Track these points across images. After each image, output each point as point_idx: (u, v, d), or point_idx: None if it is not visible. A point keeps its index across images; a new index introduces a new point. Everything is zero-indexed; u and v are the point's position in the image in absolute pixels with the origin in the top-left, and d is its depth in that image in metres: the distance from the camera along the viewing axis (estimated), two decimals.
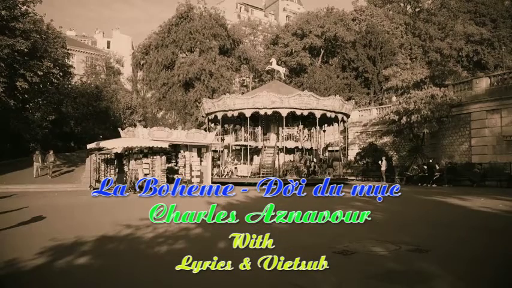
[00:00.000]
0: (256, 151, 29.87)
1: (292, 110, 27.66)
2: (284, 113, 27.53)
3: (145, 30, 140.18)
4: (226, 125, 35.14)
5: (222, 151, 32.81)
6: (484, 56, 55.95)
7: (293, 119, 29.52)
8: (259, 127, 30.49)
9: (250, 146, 29.18)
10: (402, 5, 64.80)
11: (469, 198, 15.83)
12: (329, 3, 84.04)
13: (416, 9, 64.13)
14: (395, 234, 8.48)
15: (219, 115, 29.31)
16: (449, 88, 30.92)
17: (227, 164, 30.53)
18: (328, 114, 28.82)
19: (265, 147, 29.57)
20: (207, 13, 46.77)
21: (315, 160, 30.04)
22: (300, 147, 29.88)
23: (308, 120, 30.66)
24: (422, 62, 54.50)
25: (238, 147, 31.19)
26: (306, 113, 28.02)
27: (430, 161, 27.78)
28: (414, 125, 29.69)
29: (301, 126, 30.87)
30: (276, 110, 27.57)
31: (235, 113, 28.60)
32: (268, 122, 30.35)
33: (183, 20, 45.66)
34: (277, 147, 29.17)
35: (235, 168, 29.39)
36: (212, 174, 27.79)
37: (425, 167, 27.41)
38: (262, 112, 27.75)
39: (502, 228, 9.43)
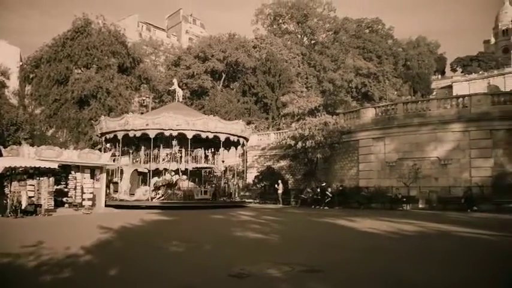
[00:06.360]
0: (157, 173, 28.89)
1: (198, 132, 27.55)
2: (190, 135, 27.27)
3: (37, 42, 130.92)
4: (124, 146, 33.54)
5: (120, 172, 31.20)
6: (370, 88, 61.48)
7: (196, 141, 29.16)
8: (161, 148, 29.59)
9: (150, 168, 28.12)
10: (299, 36, 68.69)
11: (357, 220, 16.97)
12: (231, 30, 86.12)
13: (312, 41, 68.45)
14: (290, 255, 8.72)
15: (120, 135, 27.89)
16: (341, 116, 33.20)
17: (123, 186, 29.03)
18: (232, 138, 29.21)
19: (166, 169, 28.75)
20: (106, 29, 45.00)
21: (216, 183, 30.10)
22: (201, 169, 29.70)
23: (210, 143, 30.60)
24: (317, 90, 58.03)
25: (138, 169, 29.94)
26: (211, 136, 28.05)
27: (323, 184, 29.26)
28: (309, 150, 31.18)
29: (203, 149, 30.74)
30: (181, 131, 27.19)
31: (138, 133, 27.52)
32: (169, 143, 29.52)
33: (80, 34, 43.36)
34: (179, 169, 28.57)
35: (131, 190, 28.15)
36: (107, 196, 26.30)
37: (319, 190, 28.82)
38: (167, 133, 27.15)
39: (387, 248, 10.16)
